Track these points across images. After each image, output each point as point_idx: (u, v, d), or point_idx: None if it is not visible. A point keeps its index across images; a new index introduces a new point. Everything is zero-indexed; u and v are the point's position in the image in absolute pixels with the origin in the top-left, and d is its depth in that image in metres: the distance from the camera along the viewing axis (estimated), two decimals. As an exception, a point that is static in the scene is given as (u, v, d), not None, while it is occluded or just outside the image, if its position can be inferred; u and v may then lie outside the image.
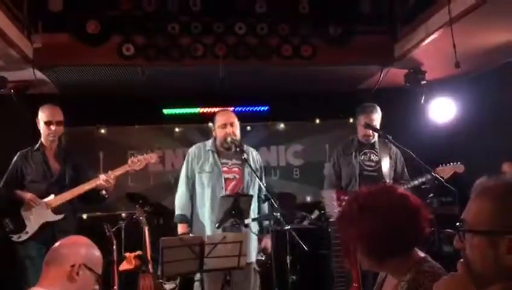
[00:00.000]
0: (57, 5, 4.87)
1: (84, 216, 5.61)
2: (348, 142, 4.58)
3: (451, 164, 4.30)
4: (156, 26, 4.93)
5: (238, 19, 5.03)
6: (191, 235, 3.92)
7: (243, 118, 4.63)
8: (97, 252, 2.09)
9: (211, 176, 3.96)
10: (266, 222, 4.08)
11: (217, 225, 3.66)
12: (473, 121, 5.55)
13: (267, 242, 4.06)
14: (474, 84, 5.67)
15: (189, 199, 4.03)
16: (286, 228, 3.75)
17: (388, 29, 5.32)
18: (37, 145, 4.15)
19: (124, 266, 4.61)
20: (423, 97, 5.63)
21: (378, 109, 4.47)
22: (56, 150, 4.20)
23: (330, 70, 5.56)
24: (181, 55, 4.97)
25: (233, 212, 3.59)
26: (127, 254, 4.69)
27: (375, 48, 5.29)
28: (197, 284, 3.85)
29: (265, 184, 4.10)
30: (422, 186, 4.18)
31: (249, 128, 6.23)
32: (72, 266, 1.95)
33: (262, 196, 4.07)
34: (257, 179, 3.99)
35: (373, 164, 4.44)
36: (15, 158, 4.13)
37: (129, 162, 4.17)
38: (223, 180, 3.96)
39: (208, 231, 3.85)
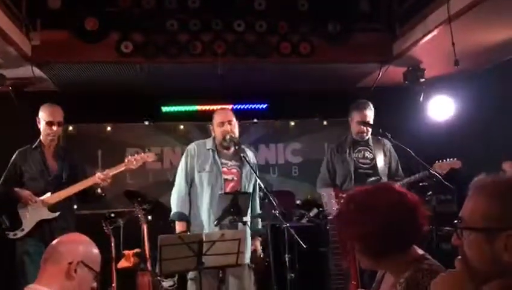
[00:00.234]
0: (56, 2, 4.87)
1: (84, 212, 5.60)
2: (342, 140, 4.55)
3: (448, 159, 4.29)
4: (154, 24, 4.93)
5: (237, 16, 5.04)
6: (189, 233, 3.91)
7: (241, 115, 4.63)
8: (95, 250, 2.08)
9: (211, 176, 3.93)
10: (259, 225, 4.08)
11: (215, 223, 3.66)
12: (472, 119, 5.54)
13: (257, 245, 4.05)
14: (473, 82, 5.67)
15: (187, 196, 4.01)
16: (284, 225, 3.75)
17: (387, 27, 5.33)
18: (36, 143, 4.14)
19: (123, 263, 4.59)
20: (422, 95, 5.63)
21: (371, 105, 4.44)
22: (54, 149, 4.20)
23: (329, 68, 5.56)
24: (180, 52, 4.96)
25: (232, 210, 3.59)
26: (126, 252, 4.68)
27: (374, 46, 5.29)
28: (190, 283, 3.84)
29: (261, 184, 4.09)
30: (420, 184, 4.17)
31: (247, 126, 6.22)
32: (70, 263, 1.94)
33: (257, 196, 4.07)
34: (252, 180, 4.00)
35: (368, 161, 4.42)
36: (14, 156, 4.13)
37: (126, 160, 4.17)
38: (222, 181, 3.95)
39: (206, 229, 3.84)
